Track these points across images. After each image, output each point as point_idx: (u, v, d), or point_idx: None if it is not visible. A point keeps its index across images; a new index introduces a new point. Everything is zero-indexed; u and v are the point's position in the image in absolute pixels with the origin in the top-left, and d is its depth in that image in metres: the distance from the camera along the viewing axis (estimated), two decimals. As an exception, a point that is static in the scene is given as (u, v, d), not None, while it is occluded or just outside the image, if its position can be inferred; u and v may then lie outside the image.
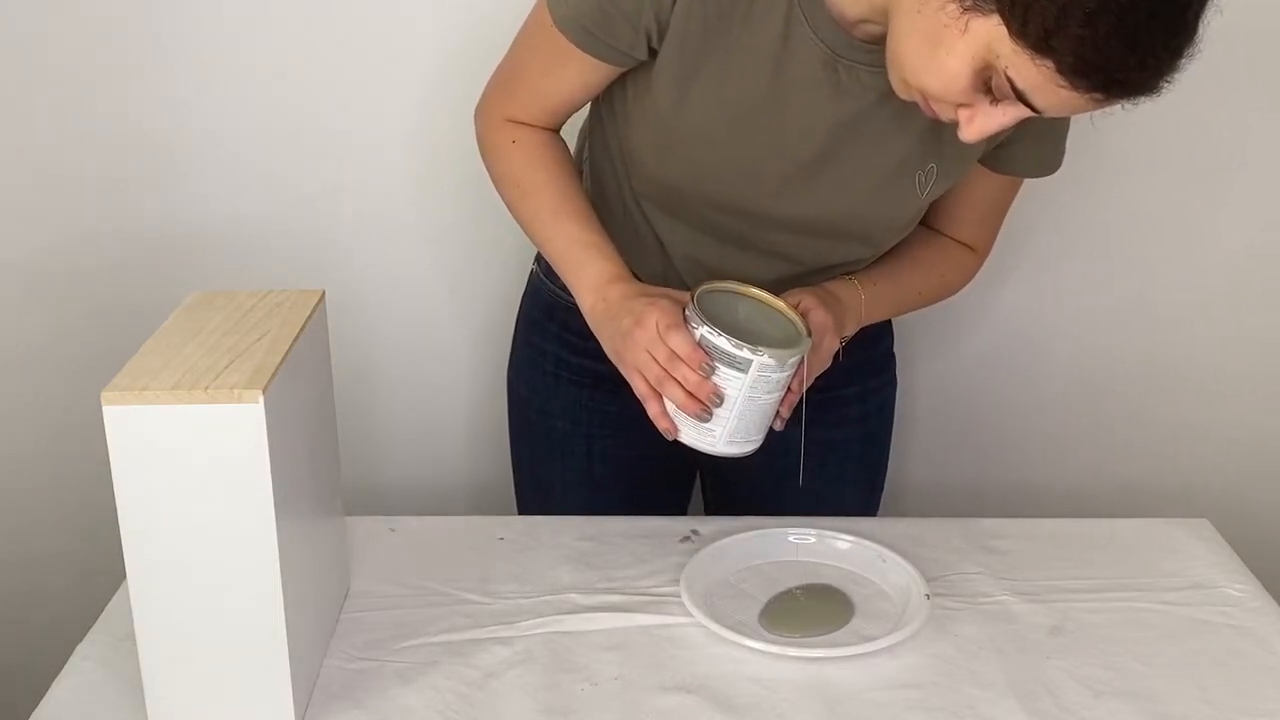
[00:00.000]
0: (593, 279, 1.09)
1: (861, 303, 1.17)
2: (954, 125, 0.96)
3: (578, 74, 1.11)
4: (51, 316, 1.61)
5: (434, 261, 1.60)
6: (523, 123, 1.17)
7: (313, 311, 1.01)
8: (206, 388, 0.85)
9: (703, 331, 1.01)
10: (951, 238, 1.26)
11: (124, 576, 0.91)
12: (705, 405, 1.01)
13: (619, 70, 1.10)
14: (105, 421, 0.85)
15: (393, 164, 1.55)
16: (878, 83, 1.03)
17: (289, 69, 1.51)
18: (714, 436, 1.04)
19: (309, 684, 0.99)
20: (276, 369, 0.88)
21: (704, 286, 1.06)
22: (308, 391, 0.99)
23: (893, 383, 1.40)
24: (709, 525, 1.23)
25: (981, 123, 0.93)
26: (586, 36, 1.06)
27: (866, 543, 1.17)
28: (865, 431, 1.38)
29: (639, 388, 1.04)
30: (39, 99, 1.51)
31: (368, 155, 1.55)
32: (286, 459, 0.91)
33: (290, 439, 0.93)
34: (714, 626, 1.05)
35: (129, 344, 0.94)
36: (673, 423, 1.05)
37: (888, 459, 1.44)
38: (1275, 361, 1.68)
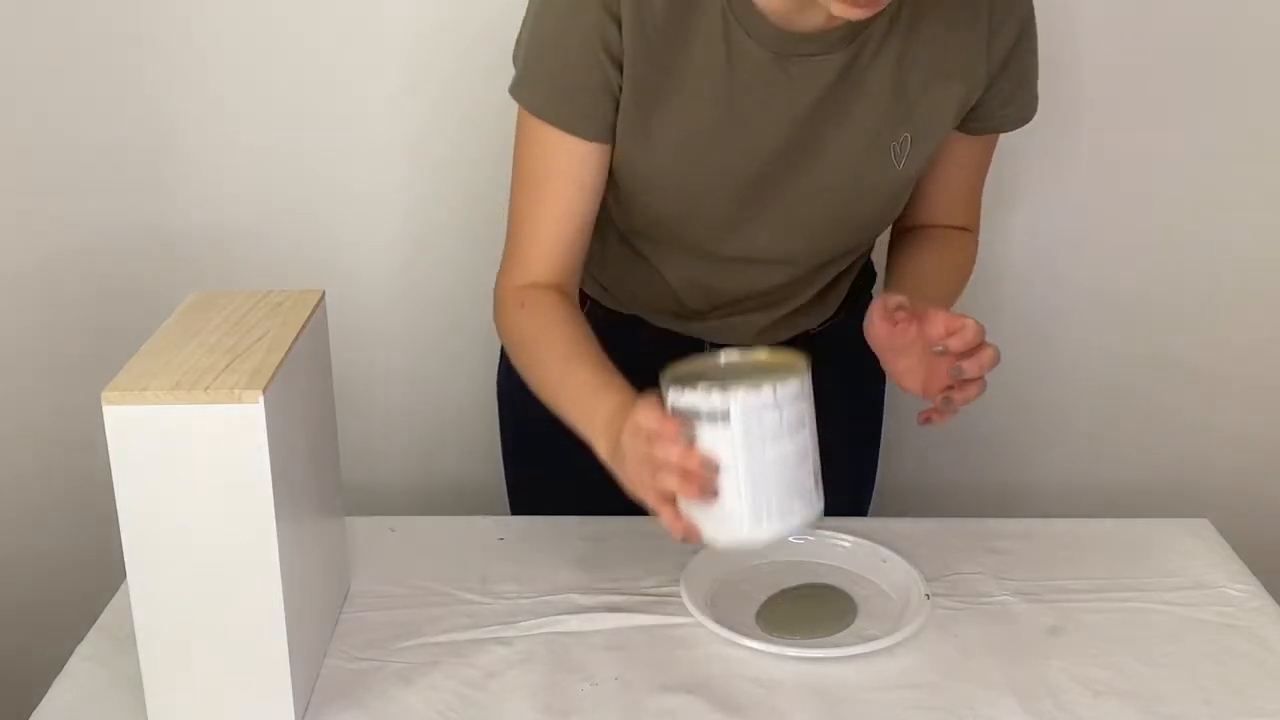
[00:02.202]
0: (603, 423, 0.97)
1: None
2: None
3: (568, 174, 1.07)
4: (51, 317, 1.61)
5: (434, 261, 1.60)
6: (532, 285, 1.10)
7: (313, 311, 1.01)
8: (206, 388, 0.85)
9: (670, 398, 0.87)
10: (945, 226, 1.25)
11: (124, 576, 0.91)
12: (703, 481, 0.86)
13: (604, 152, 1.08)
14: (105, 421, 0.85)
15: (393, 164, 1.55)
16: (830, 65, 1.03)
17: (289, 70, 1.51)
18: (737, 520, 0.87)
19: (309, 684, 0.99)
20: (276, 369, 0.88)
21: (677, 363, 0.92)
22: (308, 391, 0.99)
23: (881, 381, 1.40)
24: (709, 525, 1.23)
25: None
26: (563, 107, 1.05)
27: (866, 543, 1.17)
28: (854, 432, 1.37)
29: (649, 502, 0.91)
30: (39, 100, 1.51)
31: (369, 156, 1.55)
32: (286, 459, 0.91)
33: (290, 439, 0.93)
34: (714, 627, 1.05)
35: (129, 344, 0.94)
36: (690, 524, 0.89)
37: (878, 459, 1.44)
38: (1276, 361, 1.68)
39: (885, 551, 1.16)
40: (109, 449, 0.86)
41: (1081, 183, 1.60)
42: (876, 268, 1.36)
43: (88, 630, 1.08)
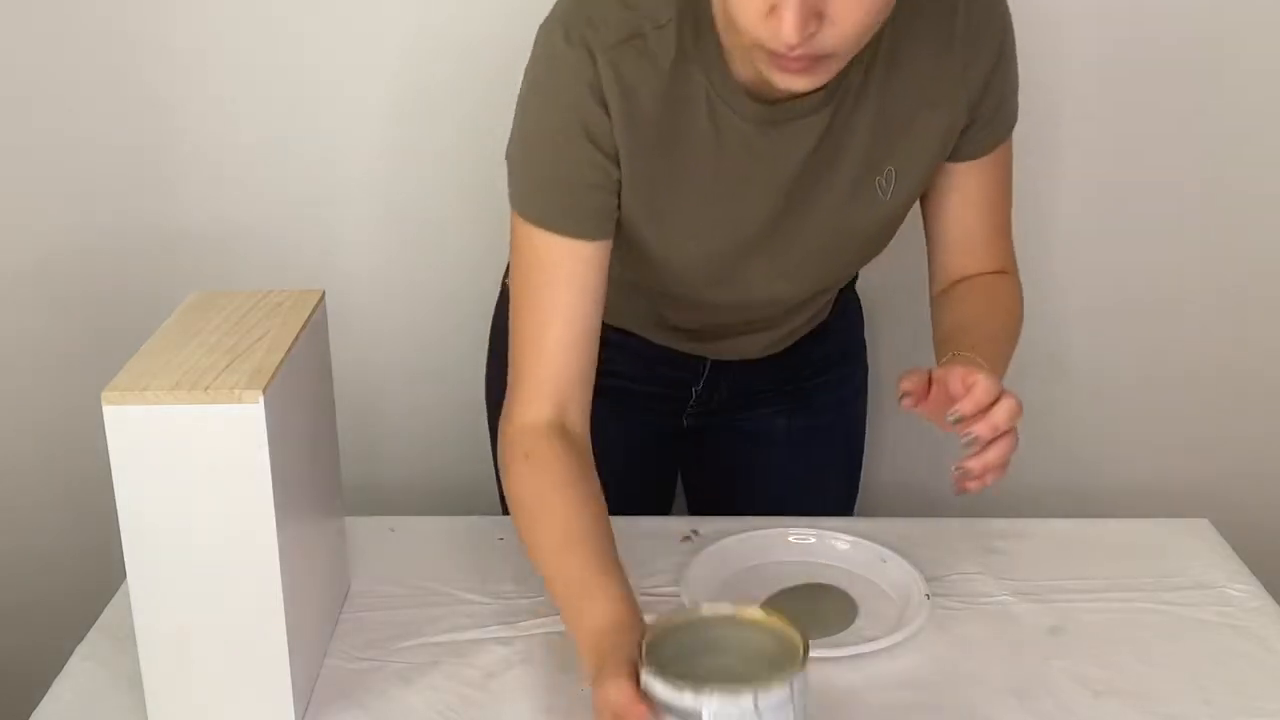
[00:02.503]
0: (588, 638, 0.90)
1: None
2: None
3: (571, 279, 1.02)
4: (51, 317, 1.61)
5: (434, 261, 1.60)
6: (537, 427, 1.03)
7: (313, 311, 1.01)
8: (206, 388, 0.85)
9: (643, 678, 0.78)
10: (978, 275, 1.17)
11: (124, 576, 0.91)
12: None
13: (607, 249, 1.04)
14: (105, 421, 0.85)
15: (393, 165, 1.55)
16: (813, 125, 1.02)
17: (289, 69, 1.51)
18: None
19: (309, 684, 0.99)
20: (276, 369, 0.88)
21: (663, 618, 0.83)
22: (308, 391, 0.99)
23: (864, 369, 1.41)
24: (709, 525, 1.23)
25: (787, 6, 0.85)
26: (562, 213, 1.02)
27: (866, 543, 1.17)
28: (843, 417, 1.39)
29: None
30: (38, 102, 1.51)
31: (369, 156, 1.55)
32: (286, 459, 0.91)
33: (290, 439, 0.93)
34: (714, 626, 1.05)
35: (129, 344, 0.94)
36: None
37: (864, 447, 1.44)
38: (1276, 362, 1.68)
39: (885, 551, 1.16)
40: (109, 449, 0.86)
41: (1081, 182, 1.60)
42: None
43: (88, 630, 1.08)
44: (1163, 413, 1.70)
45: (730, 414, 1.35)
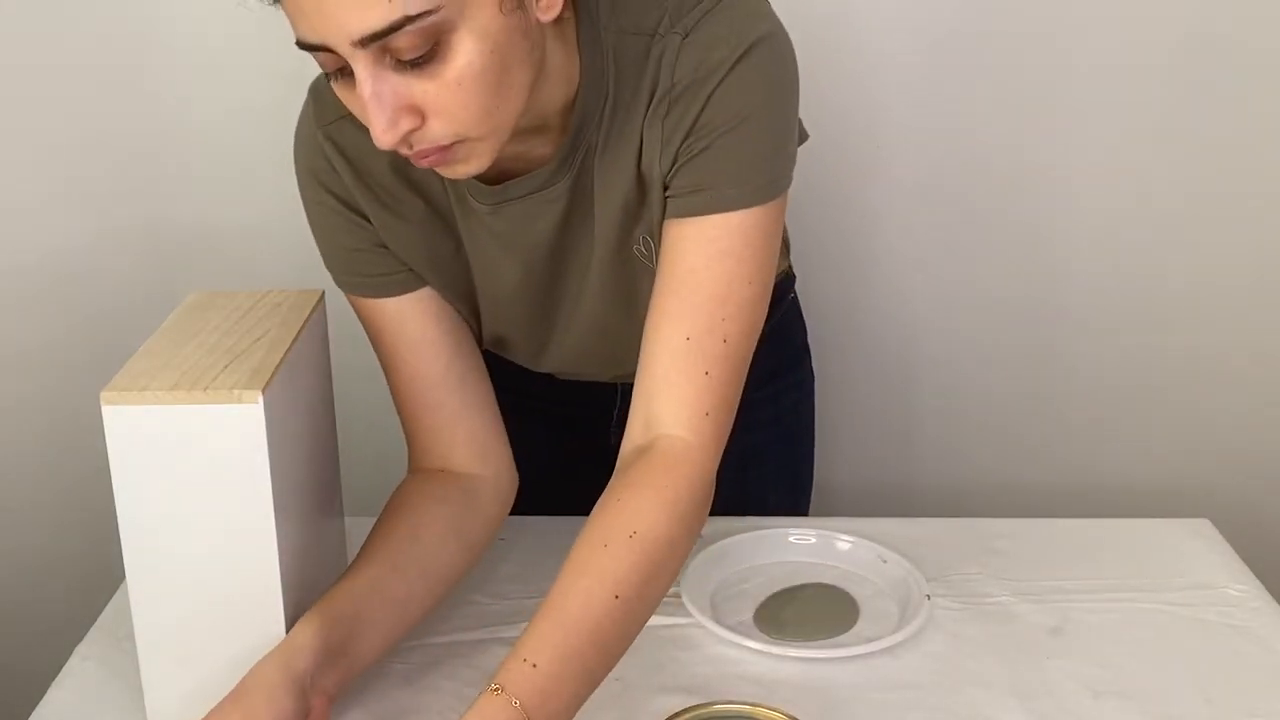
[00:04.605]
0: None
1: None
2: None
3: (398, 336, 1.04)
4: (51, 317, 1.61)
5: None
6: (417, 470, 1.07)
7: (312, 311, 1.01)
8: (206, 388, 0.85)
9: None
10: (660, 437, 0.93)
11: (124, 576, 0.91)
12: None
13: (418, 301, 1.03)
14: (105, 421, 0.85)
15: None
16: (547, 198, 0.96)
17: (289, 69, 1.51)
18: None
19: (309, 684, 0.99)
20: (276, 369, 0.88)
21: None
22: (308, 391, 0.99)
23: (808, 379, 1.35)
24: (709, 525, 1.22)
25: (366, 110, 0.81)
26: (353, 276, 1.03)
27: (866, 543, 1.17)
28: (781, 433, 1.32)
29: None
30: (38, 102, 1.51)
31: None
32: (286, 459, 0.91)
33: (290, 439, 0.93)
34: (714, 627, 1.05)
35: (129, 344, 0.94)
36: None
37: (812, 459, 1.39)
38: (1276, 361, 1.68)
39: (885, 551, 1.16)
40: (109, 449, 0.86)
41: (1080, 182, 1.60)
42: (796, 270, 1.33)
43: (88, 630, 1.08)
44: (1163, 413, 1.70)
45: None
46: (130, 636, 0.91)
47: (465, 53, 0.79)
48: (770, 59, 0.92)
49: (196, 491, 0.87)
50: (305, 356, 0.97)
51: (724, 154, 0.92)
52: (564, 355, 1.12)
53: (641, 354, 0.95)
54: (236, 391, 0.85)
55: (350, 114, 0.89)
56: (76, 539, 1.66)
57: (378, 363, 1.07)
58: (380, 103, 0.80)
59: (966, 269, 1.64)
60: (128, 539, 0.89)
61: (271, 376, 0.87)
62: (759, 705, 0.86)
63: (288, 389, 0.91)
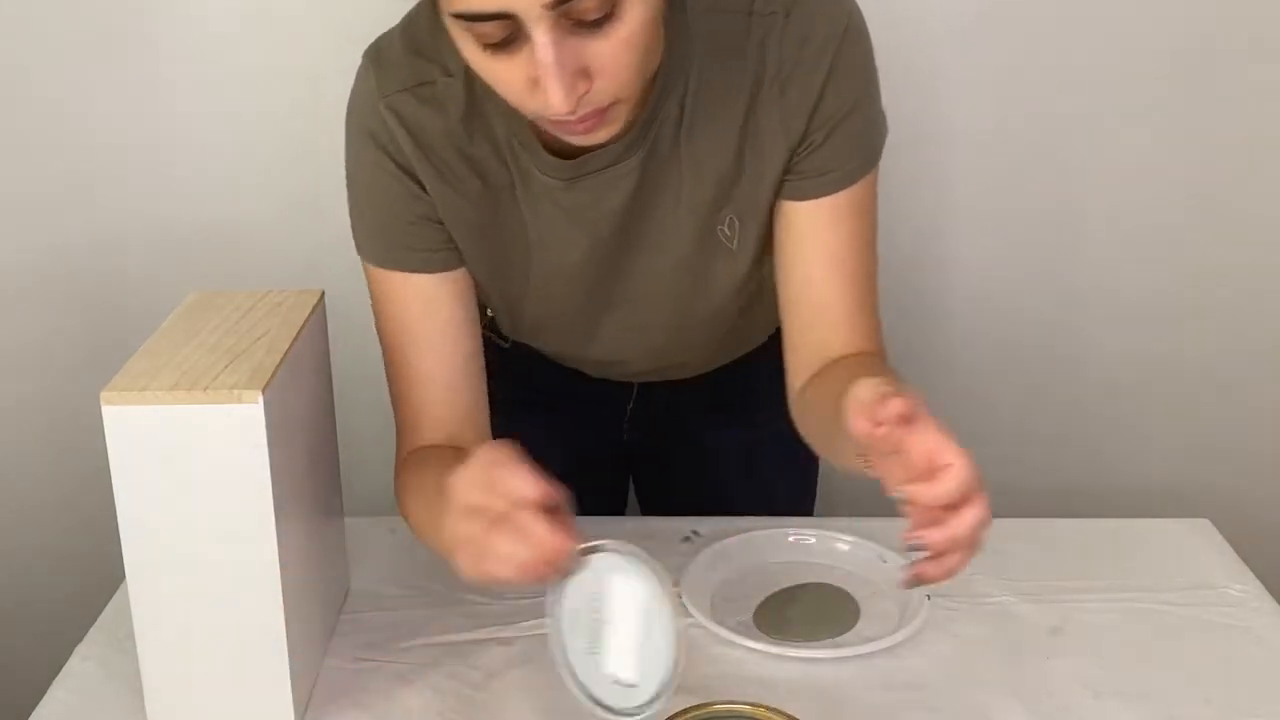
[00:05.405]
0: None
1: None
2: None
3: (426, 317, 1.03)
4: (51, 317, 1.61)
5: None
6: (422, 447, 1.04)
7: (312, 311, 1.01)
8: (206, 388, 0.85)
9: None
10: (847, 355, 1.02)
11: (124, 576, 0.91)
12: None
13: (455, 281, 1.04)
14: (105, 421, 0.85)
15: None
16: (619, 174, 0.97)
17: (290, 68, 1.51)
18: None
19: (309, 684, 0.99)
20: (276, 369, 0.88)
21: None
22: (308, 391, 0.99)
23: None
24: (709, 526, 1.23)
25: (548, 76, 0.80)
26: (399, 250, 1.02)
27: (866, 543, 1.17)
28: (789, 429, 1.32)
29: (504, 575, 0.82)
30: (37, 101, 1.51)
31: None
32: (286, 459, 0.91)
33: (290, 439, 0.93)
34: (714, 627, 1.05)
35: (129, 344, 0.94)
36: None
37: (818, 457, 1.40)
38: (1276, 361, 1.68)
39: (885, 551, 1.16)
40: (108, 449, 0.86)
41: (1080, 183, 1.60)
42: None
43: (88, 630, 1.08)
44: (1163, 413, 1.70)
45: (671, 427, 1.32)
46: (130, 636, 0.91)
47: (637, 12, 0.82)
48: (864, 32, 0.98)
49: (196, 492, 0.87)
50: (305, 356, 0.97)
51: (846, 138, 0.98)
52: (610, 340, 1.12)
53: (793, 318, 1.03)
54: (236, 391, 0.85)
55: (411, 88, 0.92)
56: (76, 539, 1.66)
57: (378, 363, 1.07)
58: (562, 67, 0.80)
59: (967, 269, 1.64)
60: (128, 539, 0.89)
61: (271, 376, 0.87)
62: (759, 705, 0.88)
63: (288, 389, 0.91)
